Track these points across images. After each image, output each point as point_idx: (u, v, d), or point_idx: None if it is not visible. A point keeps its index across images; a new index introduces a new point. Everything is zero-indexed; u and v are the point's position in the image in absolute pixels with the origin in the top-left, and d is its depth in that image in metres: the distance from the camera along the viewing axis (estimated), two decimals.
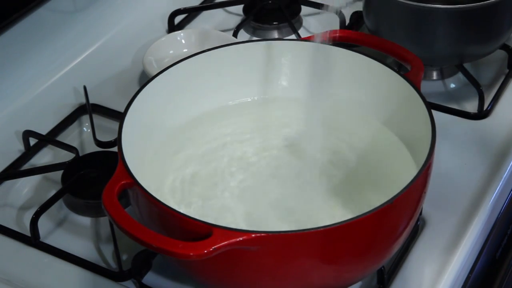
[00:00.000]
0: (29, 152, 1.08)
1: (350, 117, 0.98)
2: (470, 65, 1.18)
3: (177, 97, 0.96)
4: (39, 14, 1.17)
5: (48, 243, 0.95)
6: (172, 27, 1.28)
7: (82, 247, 0.95)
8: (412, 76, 0.91)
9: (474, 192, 1.00)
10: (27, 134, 1.07)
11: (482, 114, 1.11)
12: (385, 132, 0.95)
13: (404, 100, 0.92)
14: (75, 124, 1.13)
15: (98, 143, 1.05)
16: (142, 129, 0.91)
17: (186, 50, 1.20)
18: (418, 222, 0.96)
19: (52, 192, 1.00)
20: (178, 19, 1.29)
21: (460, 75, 1.16)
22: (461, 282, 0.94)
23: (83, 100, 1.13)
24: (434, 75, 1.18)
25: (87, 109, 1.11)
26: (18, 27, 1.14)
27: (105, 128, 1.10)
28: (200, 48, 1.00)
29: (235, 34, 1.23)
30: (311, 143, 0.96)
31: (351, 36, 0.99)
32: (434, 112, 0.88)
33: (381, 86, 0.95)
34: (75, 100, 1.16)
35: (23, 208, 1.01)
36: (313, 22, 1.30)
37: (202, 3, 1.35)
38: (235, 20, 1.31)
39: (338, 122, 0.98)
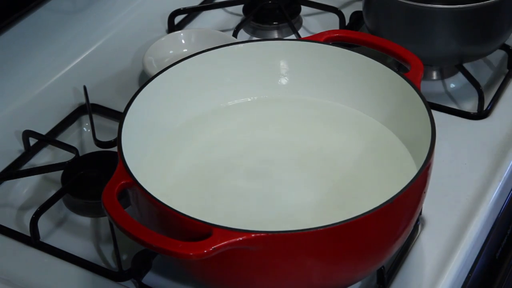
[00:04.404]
0: (29, 152, 1.07)
1: (350, 117, 0.98)
2: (470, 65, 1.18)
3: (177, 97, 0.96)
4: (39, 14, 1.17)
5: (48, 243, 0.95)
6: (172, 27, 1.28)
7: (82, 247, 0.95)
8: (412, 76, 0.91)
9: (474, 192, 1.00)
10: (27, 134, 1.07)
11: (482, 114, 1.11)
12: (385, 132, 0.95)
13: (404, 100, 0.92)
14: (75, 124, 1.13)
15: (98, 143, 1.05)
16: (142, 129, 0.91)
17: (186, 50, 1.20)
18: (418, 222, 0.96)
19: (52, 192, 1.00)
20: (178, 19, 1.29)
21: (460, 75, 1.16)
22: (461, 282, 0.94)
23: (83, 100, 1.13)
24: (434, 75, 1.18)
25: (87, 109, 1.11)
26: (18, 27, 1.14)
27: (105, 128, 1.10)
28: (200, 48, 1.00)
29: (235, 34, 1.23)
30: (310, 142, 0.96)
31: (351, 36, 0.99)
32: (434, 112, 0.88)
33: (381, 86, 0.95)
34: (75, 100, 1.16)
35: (23, 208, 1.01)
36: (313, 22, 1.30)
37: (202, 3, 1.35)
38: (235, 20, 1.30)
39: (337, 122, 0.98)
